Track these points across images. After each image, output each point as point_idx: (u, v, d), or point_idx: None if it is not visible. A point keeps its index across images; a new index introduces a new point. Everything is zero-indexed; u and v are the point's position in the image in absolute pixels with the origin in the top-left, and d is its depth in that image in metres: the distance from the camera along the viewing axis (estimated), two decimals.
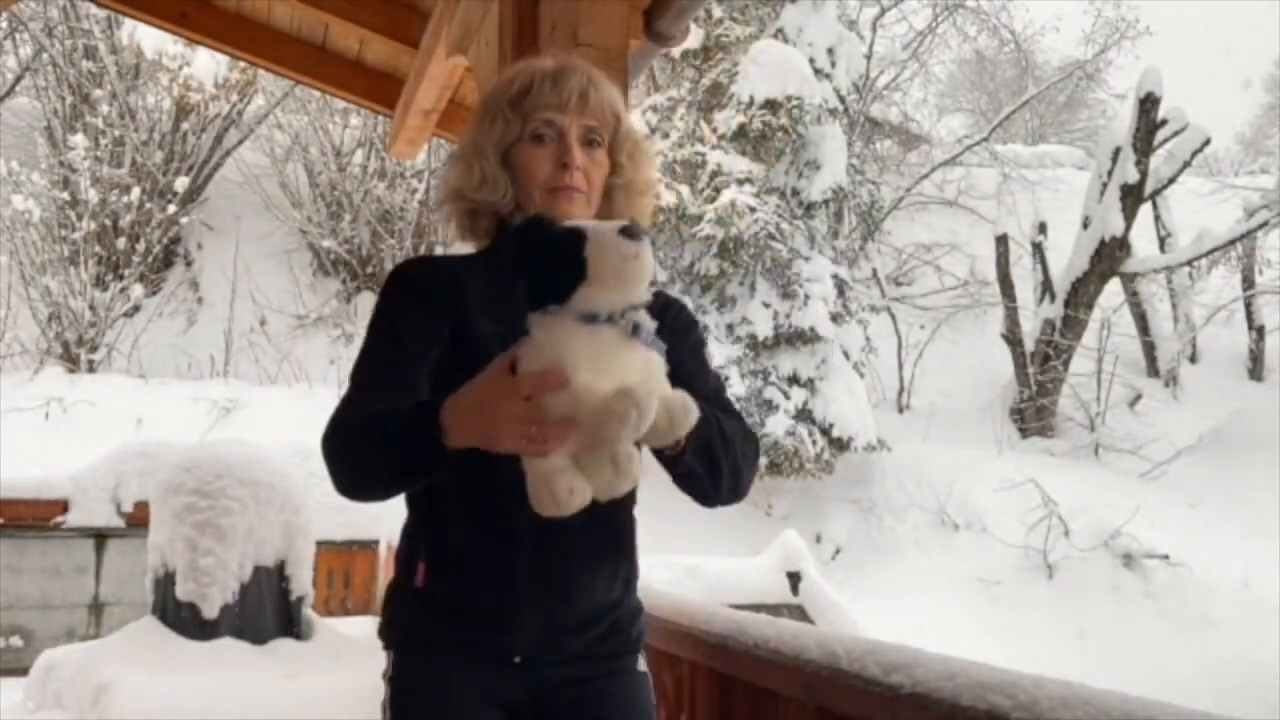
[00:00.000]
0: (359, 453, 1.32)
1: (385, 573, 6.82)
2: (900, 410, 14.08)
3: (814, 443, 11.26)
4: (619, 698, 1.46)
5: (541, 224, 1.23)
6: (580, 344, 1.14)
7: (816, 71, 12.34)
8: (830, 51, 12.89)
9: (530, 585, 1.38)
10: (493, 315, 1.34)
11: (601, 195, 1.47)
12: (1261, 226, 13.73)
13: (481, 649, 1.39)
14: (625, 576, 1.48)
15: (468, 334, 1.36)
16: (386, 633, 1.46)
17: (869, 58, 15.64)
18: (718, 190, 11.72)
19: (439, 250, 14.50)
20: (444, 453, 1.22)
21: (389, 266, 14.31)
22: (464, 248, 1.56)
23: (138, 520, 6.00)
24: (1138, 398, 14.00)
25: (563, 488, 1.16)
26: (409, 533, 1.46)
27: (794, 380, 11.52)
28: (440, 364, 1.38)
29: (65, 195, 12.24)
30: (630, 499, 1.45)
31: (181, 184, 12.64)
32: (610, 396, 1.11)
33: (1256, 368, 14.92)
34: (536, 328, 1.17)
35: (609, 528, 1.45)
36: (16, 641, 6.21)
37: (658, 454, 1.34)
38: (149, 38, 12.04)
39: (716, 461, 1.37)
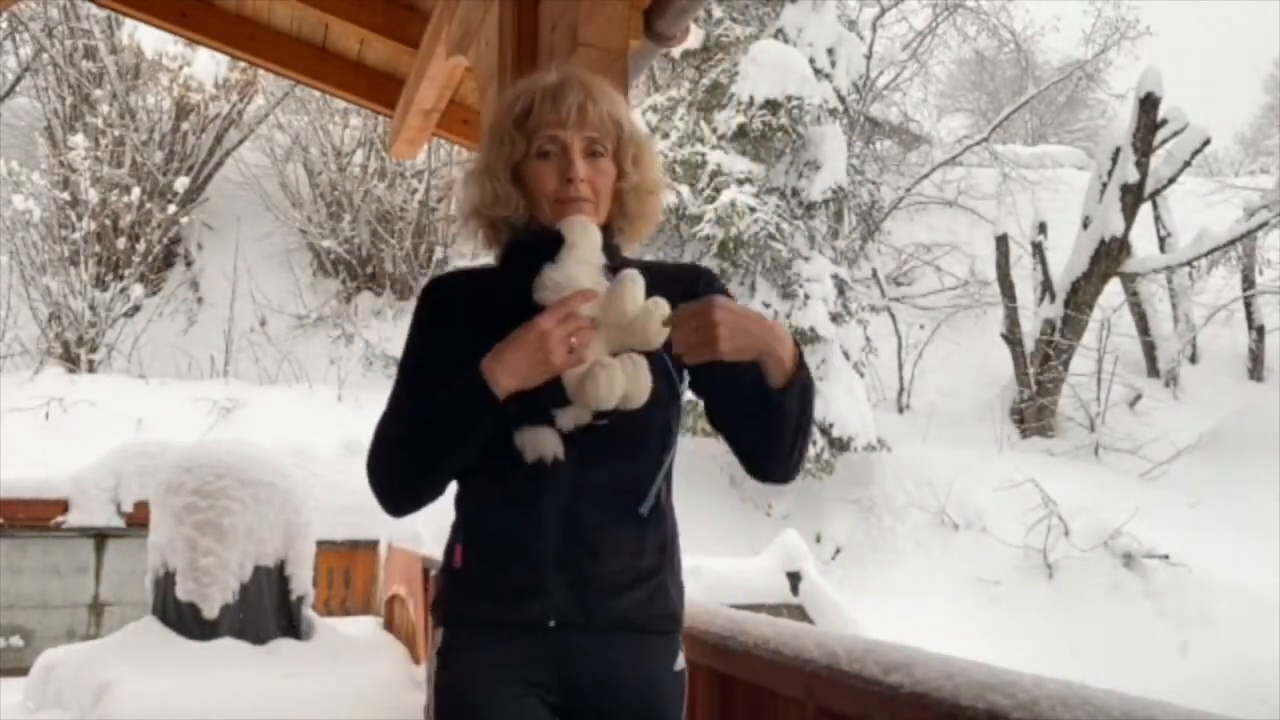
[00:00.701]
0: (406, 451, 1.47)
1: (385, 573, 6.82)
2: (900, 410, 14.08)
3: (814, 443, 11.26)
4: (642, 706, 1.48)
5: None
6: (582, 272, 1.46)
7: (816, 71, 12.34)
8: (830, 51, 12.89)
9: (557, 551, 1.44)
10: (513, 319, 1.42)
11: (612, 199, 1.56)
12: (1261, 226, 13.73)
13: (515, 620, 1.45)
14: (660, 543, 1.50)
15: (488, 338, 1.43)
16: (435, 611, 1.56)
17: (869, 58, 15.64)
18: (718, 190, 11.73)
19: (439, 251, 14.52)
20: (495, 406, 1.39)
21: (389, 267, 14.34)
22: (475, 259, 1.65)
23: (138, 520, 6.01)
24: (1138, 398, 14.00)
25: (601, 363, 1.40)
26: (453, 525, 1.57)
27: None
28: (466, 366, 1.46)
29: (65, 195, 12.24)
30: (652, 470, 1.50)
31: (181, 184, 12.64)
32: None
33: (1256, 368, 14.92)
34: (548, 275, 1.46)
35: (632, 494, 1.49)
36: (17, 641, 6.21)
37: (761, 386, 1.43)
38: (149, 38, 12.05)
39: (806, 409, 1.48)
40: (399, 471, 1.48)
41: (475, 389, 1.39)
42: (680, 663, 1.53)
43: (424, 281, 14.02)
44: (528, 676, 1.44)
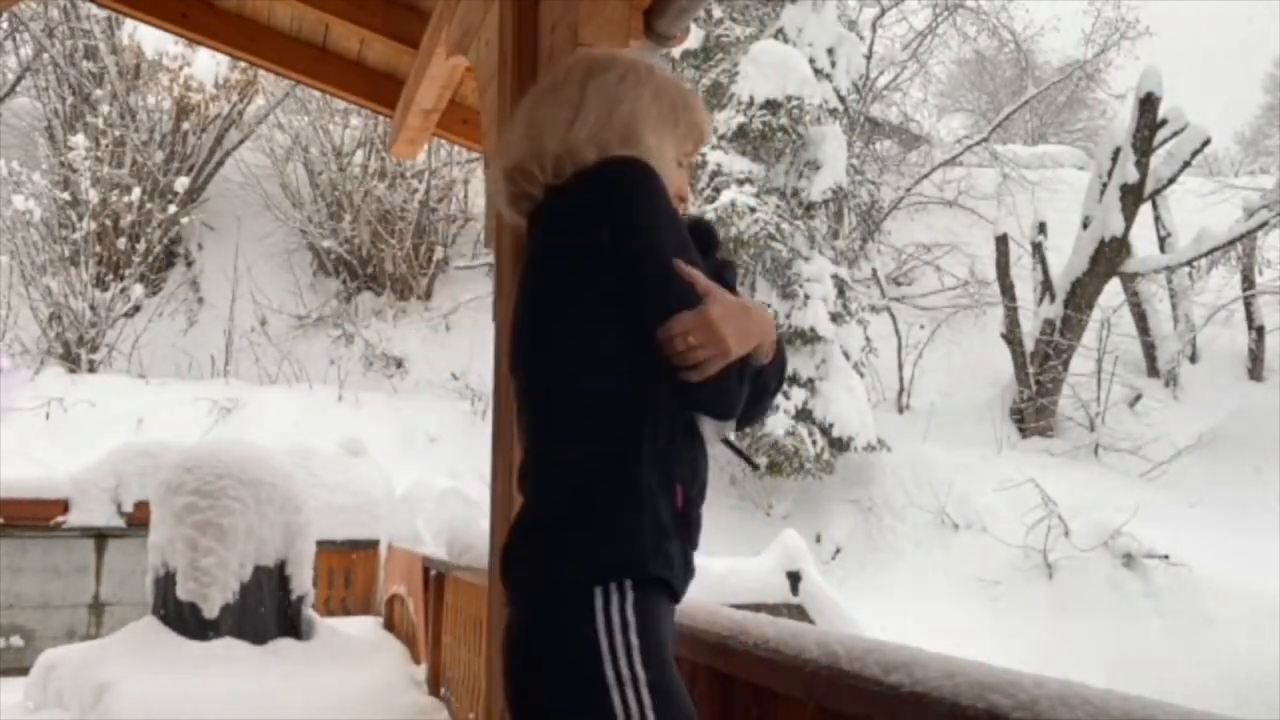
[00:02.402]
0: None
1: (385, 573, 6.82)
2: (900, 410, 14.08)
3: (814, 443, 11.26)
4: None
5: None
6: None
7: (816, 72, 12.34)
8: (830, 52, 12.90)
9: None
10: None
11: None
12: (1261, 227, 13.74)
13: (682, 588, 1.42)
14: None
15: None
16: (644, 560, 1.34)
17: (869, 58, 15.64)
18: (718, 190, 11.73)
19: (439, 251, 14.52)
20: None
21: (389, 267, 14.33)
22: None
23: (138, 520, 6.01)
24: (1138, 398, 14.01)
25: None
26: (663, 468, 1.38)
27: (794, 380, 11.52)
28: None
29: (66, 195, 12.24)
30: None
31: (182, 184, 12.64)
32: None
33: (1256, 368, 14.92)
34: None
35: None
36: (17, 641, 6.21)
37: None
38: (149, 38, 12.05)
39: (781, 376, 1.56)
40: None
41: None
42: None
43: (424, 282, 13.78)
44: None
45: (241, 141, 14.39)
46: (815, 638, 1.62)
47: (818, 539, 11.18)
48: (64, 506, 6.43)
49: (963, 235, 16.52)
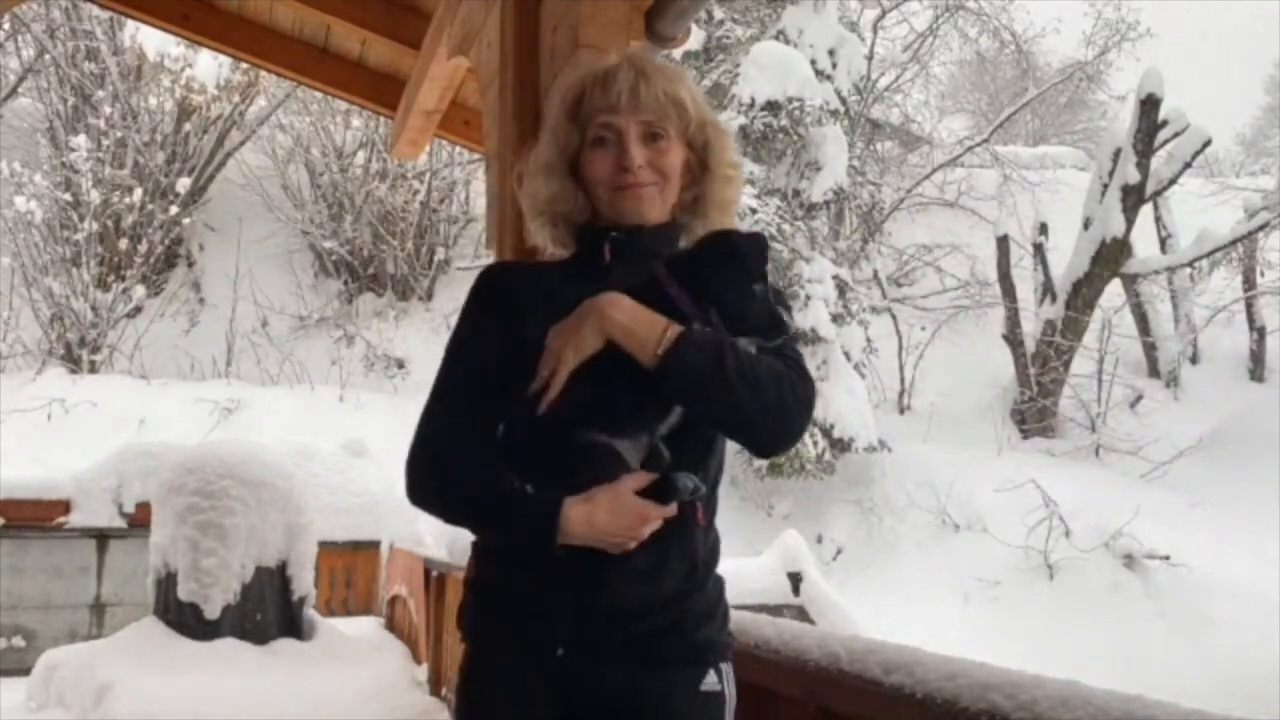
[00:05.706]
0: (464, 511, 1.44)
1: (387, 573, 6.82)
2: (901, 411, 14.07)
3: (815, 444, 11.26)
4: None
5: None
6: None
7: (818, 73, 12.35)
8: (831, 53, 12.90)
9: (565, 572, 1.35)
10: (549, 319, 1.37)
11: (684, 187, 1.51)
12: (1262, 228, 13.73)
13: (525, 641, 1.39)
14: (688, 568, 1.40)
15: (523, 342, 1.39)
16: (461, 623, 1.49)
17: (870, 59, 15.64)
18: None
19: (440, 252, 14.52)
20: (548, 547, 1.33)
21: (390, 268, 14.34)
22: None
23: (140, 520, 6.02)
24: (1138, 398, 14.00)
25: None
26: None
27: None
28: (504, 371, 1.40)
29: (67, 196, 12.25)
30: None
31: (183, 185, 12.65)
32: None
33: (1257, 369, 14.91)
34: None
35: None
36: (19, 641, 6.22)
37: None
38: (151, 39, 12.06)
39: (702, 381, 1.33)
40: (450, 514, 1.46)
41: (541, 526, 1.31)
42: (712, 681, 1.42)
43: (425, 283, 13.74)
44: (539, 699, 1.38)
45: (243, 142, 14.40)
46: (816, 638, 1.63)
47: (819, 539, 11.18)
48: (65, 507, 6.44)
49: (964, 236, 16.51)
